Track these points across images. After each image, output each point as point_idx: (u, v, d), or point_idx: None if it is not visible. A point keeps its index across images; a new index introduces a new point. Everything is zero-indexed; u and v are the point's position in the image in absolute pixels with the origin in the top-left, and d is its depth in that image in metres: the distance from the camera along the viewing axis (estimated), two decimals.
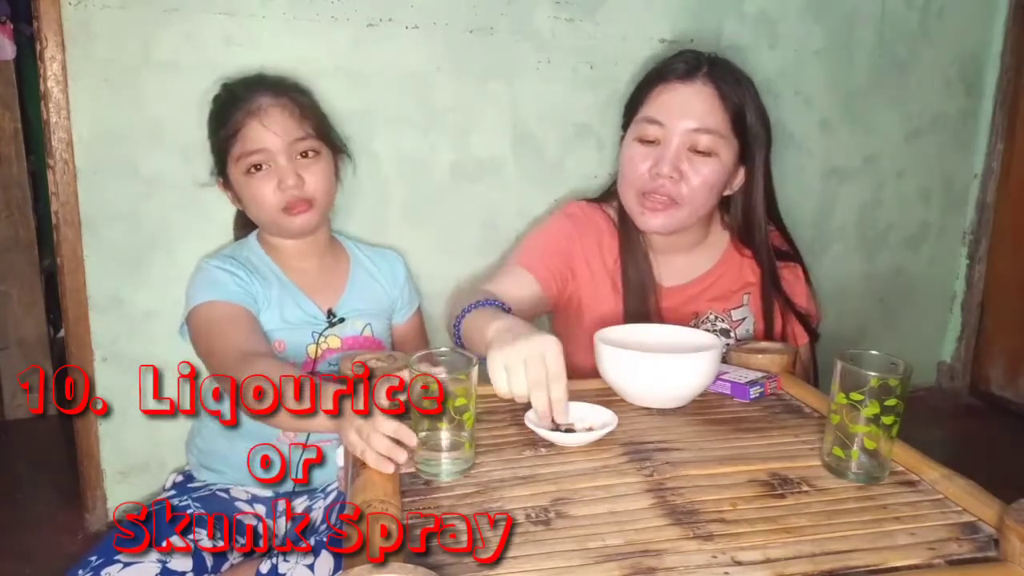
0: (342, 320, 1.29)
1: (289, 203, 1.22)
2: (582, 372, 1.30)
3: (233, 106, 1.23)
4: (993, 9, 2.02)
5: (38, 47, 1.32)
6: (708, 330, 1.26)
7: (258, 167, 1.21)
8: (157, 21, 1.37)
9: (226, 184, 1.29)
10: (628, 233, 1.28)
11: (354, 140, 1.51)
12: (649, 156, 1.19)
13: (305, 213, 1.24)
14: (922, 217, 2.08)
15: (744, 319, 1.32)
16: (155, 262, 1.44)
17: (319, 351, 1.27)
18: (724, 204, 1.31)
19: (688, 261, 1.31)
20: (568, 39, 1.61)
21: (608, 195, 1.35)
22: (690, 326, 1.27)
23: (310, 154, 1.25)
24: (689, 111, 1.17)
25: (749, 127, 1.20)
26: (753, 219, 1.27)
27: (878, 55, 1.89)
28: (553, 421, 0.86)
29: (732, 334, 1.31)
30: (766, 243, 1.29)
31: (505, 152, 1.63)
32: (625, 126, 1.28)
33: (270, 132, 1.20)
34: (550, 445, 0.84)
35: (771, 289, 1.29)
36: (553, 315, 1.38)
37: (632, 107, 1.26)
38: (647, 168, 1.18)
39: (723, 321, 1.31)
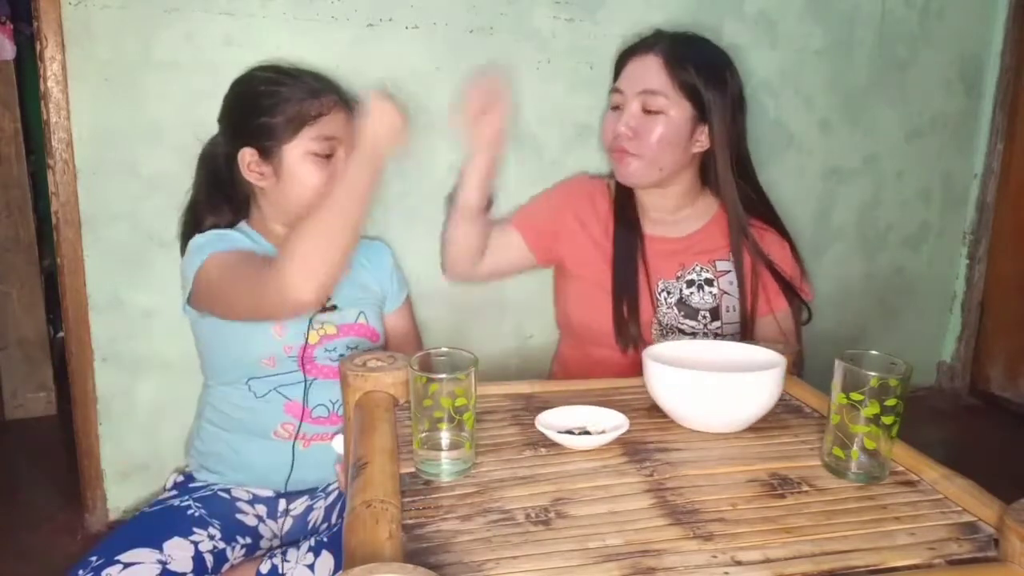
0: (336, 307, 1.30)
1: None
2: (572, 322, 1.46)
3: (317, 91, 1.25)
4: (993, 9, 2.02)
5: (38, 47, 1.32)
6: (693, 280, 1.40)
7: (328, 155, 1.24)
8: (157, 21, 1.37)
9: (264, 155, 1.25)
10: (623, 195, 1.45)
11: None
12: (616, 118, 1.37)
13: None
14: (922, 217, 2.08)
15: (729, 271, 1.40)
16: (155, 262, 1.44)
17: (315, 336, 1.28)
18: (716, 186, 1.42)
19: (676, 220, 1.44)
20: (568, 39, 1.61)
21: (611, 175, 1.53)
22: (676, 275, 1.40)
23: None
24: (640, 78, 1.35)
25: (700, 91, 1.33)
26: (717, 172, 1.38)
27: (878, 55, 1.89)
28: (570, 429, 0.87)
29: (715, 283, 1.39)
30: (732, 196, 1.39)
31: (505, 152, 1.63)
32: None
33: (348, 129, 1.26)
34: (550, 445, 0.84)
35: (739, 236, 1.38)
36: (554, 273, 1.57)
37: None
38: (612, 129, 1.37)
39: (708, 271, 1.40)
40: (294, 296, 1.07)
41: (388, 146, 1.14)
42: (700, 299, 1.39)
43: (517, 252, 1.47)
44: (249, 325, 1.24)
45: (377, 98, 1.12)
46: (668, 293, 1.39)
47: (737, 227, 1.39)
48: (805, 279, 1.45)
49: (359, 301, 1.35)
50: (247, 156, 1.25)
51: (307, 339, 1.27)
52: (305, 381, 1.27)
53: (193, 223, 1.35)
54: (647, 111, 1.33)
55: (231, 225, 1.34)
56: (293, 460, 1.28)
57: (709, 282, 1.39)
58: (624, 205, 1.44)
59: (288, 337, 1.26)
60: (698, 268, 1.40)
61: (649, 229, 1.43)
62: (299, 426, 1.27)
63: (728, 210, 1.39)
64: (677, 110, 1.33)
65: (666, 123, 1.33)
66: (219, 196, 1.34)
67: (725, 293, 1.39)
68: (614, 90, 1.39)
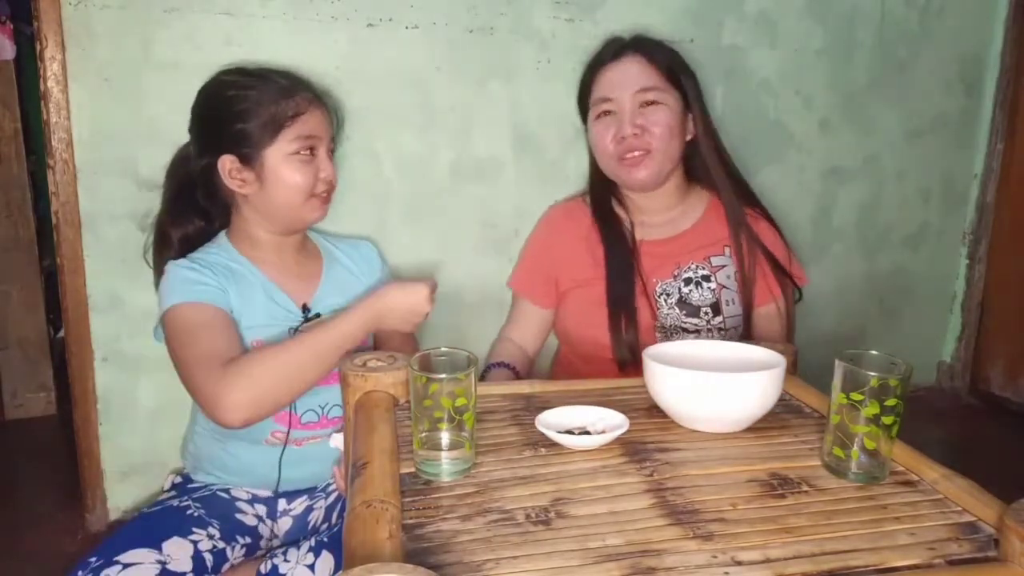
0: (318, 315, 1.28)
1: (323, 191, 1.27)
2: (571, 337, 1.46)
3: (289, 91, 1.24)
4: (993, 9, 2.02)
5: (38, 47, 1.32)
6: (690, 278, 1.40)
7: (311, 151, 1.24)
8: (157, 21, 1.37)
9: (244, 162, 1.22)
10: (603, 202, 1.46)
11: (354, 140, 1.51)
12: (611, 125, 1.37)
13: (327, 203, 1.30)
14: (922, 217, 2.08)
15: (725, 266, 1.41)
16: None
17: None
18: (706, 175, 1.44)
19: (668, 219, 1.44)
20: (568, 39, 1.61)
21: (585, 192, 1.56)
22: (673, 275, 1.40)
23: (333, 153, 1.32)
24: (629, 79, 1.36)
25: (682, 79, 1.39)
26: (705, 158, 1.41)
27: (878, 55, 1.89)
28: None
29: (713, 278, 1.40)
30: (725, 181, 1.42)
31: (505, 152, 1.63)
32: (584, 118, 1.47)
33: (324, 124, 1.28)
34: (550, 445, 0.84)
35: (738, 225, 1.40)
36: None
37: (583, 99, 1.46)
38: (612, 135, 1.37)
39: (704, 268, 1.41)
40: (221, 417, 1.08)
41: (395, 325, 1.20)
42: (700, 296, 1.39)
43: (537, 316, 1.52)
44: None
45: (424, 287, 1.20)
46: (667, 295, 1.40)
47: (735, 216, 1.40)
48: (797, 264, 1.48)
49: (341, 305, 1.31)
50: (227, 164, 1.23)
51: None
52: None
53: (160, 239, 1.33)
54: (645, 104, 1.35)
55: (201, 235, 1.32)
56: (283, 466, 1.27)
57: (706, 278, 1.40)
58: (606, 219, 1.45)
59: None
60: (693, 266, 1.41)
61: (640, 234, 1.43)
62: (288, 433, 1.26)
63: (724, 198, 1.42)
64: (672, 98, 1.36)
65: (667, 111, 1.35)
66: (188, 208, 1.31)
67: (723, 287, 1.40)
68: (601, 100, 1.39)
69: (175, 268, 1.24)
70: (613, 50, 1.40)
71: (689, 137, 1.41)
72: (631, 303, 1.37)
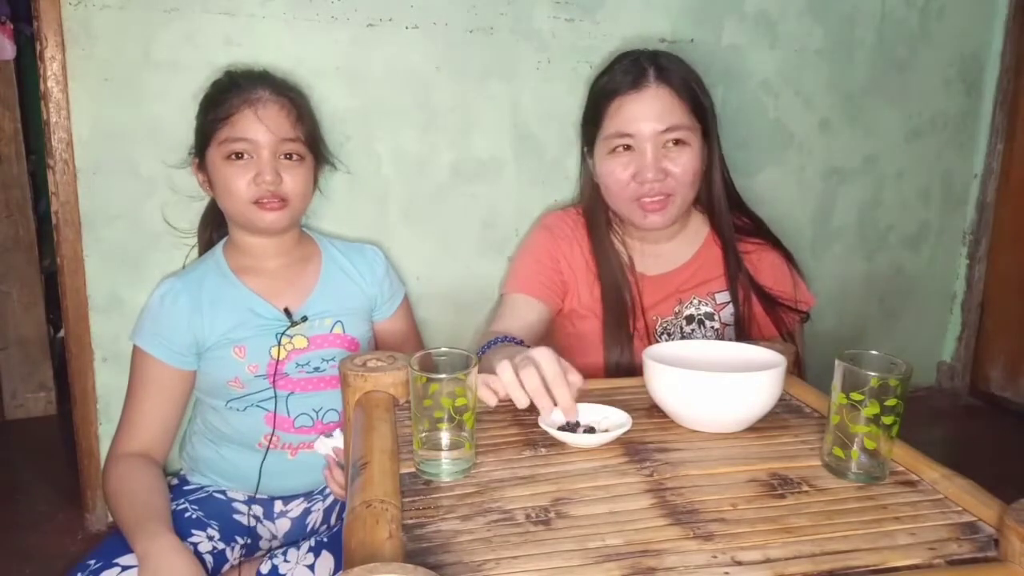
0: (305, 319, 1.27)
1: (262, 197, 1.20)
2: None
3: (231, 91, 1.23)
4: (993, 9, 2.02)
5: (38, 47, 1.32)
6: (692, 315, 1.32)
7: (239, 155, 1.20)
8: (157, 21, 1.37)
9: (200, 166, 1.26)
10: (599, 233, 1.33)
11: (354, 140, 1.51)
12: (629, 164, 1.24)
13: (277, 211, 1.21)
14: (922, 217, 2.08)
15: (729, 302, 1.33)
16: (155, 262, 1.44)
17: (283, 352, 1.24)
18: (707, 203, 1.35)
19: (669, 250, 1.35)
20: (568, 39, 1.61)
21: (577, 204, 1.42)
22: (674, 312, 1.32)
23: (294, 157, 1.23)
24: (654, 115, 1.22)
25: (705, 108, 1.27)
26: (712, 197, 1.32)
27: (878, 55, 1.89)
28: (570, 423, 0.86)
29: (716, 316, 1.33)
30: (729, 228, 1.32)
31: (505, 152, 1.63)
32: (587, 142, 1.32)
33: (262, 125, 1.20)
34: (551, 445, 0.84)
35: (736, 272, 1.31)
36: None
37: (591, 125, 1.30)
38: (630, 175, 1.24)
39: (707, 304, 1.33)
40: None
41: None
42: (703, 336, 1.31)
43: (536, 313, 1.31)
44: (209, 349, 1.24)
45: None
46: (668, 335, 1.32)
47: (734, 263, 1.31)
48: (804, 288, 1.38)
49: (335, 311, 1.30)
50: (194, 166, 1.28)
51: (275, 356, 1.24)
52: (276, 396, 1.25)
53: (198, 239, 1.41)
54: (671, 143, 1.23)
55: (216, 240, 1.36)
56: (277, 476, 1.27)
57: (710, 316, 1.32)
58: (603, 249, 1.32)
59: (251, 357, 1.23)
60: (696, 301, 1.32)
61: (640, 266, 1.33)
62: (279, 437, 1.26)
63: (725, 244, 1.32)
64: (696, 136, 1.25)
65: (691, 153, 1.24)
66: (214, 215, 1.36)
67: (727, 326, 1.32)
68: (617, 135, 1.24)
69: (160, 292, 1.27)
70: (633, 77, 1.23)
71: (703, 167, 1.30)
72: (628, 343, 1.27)
